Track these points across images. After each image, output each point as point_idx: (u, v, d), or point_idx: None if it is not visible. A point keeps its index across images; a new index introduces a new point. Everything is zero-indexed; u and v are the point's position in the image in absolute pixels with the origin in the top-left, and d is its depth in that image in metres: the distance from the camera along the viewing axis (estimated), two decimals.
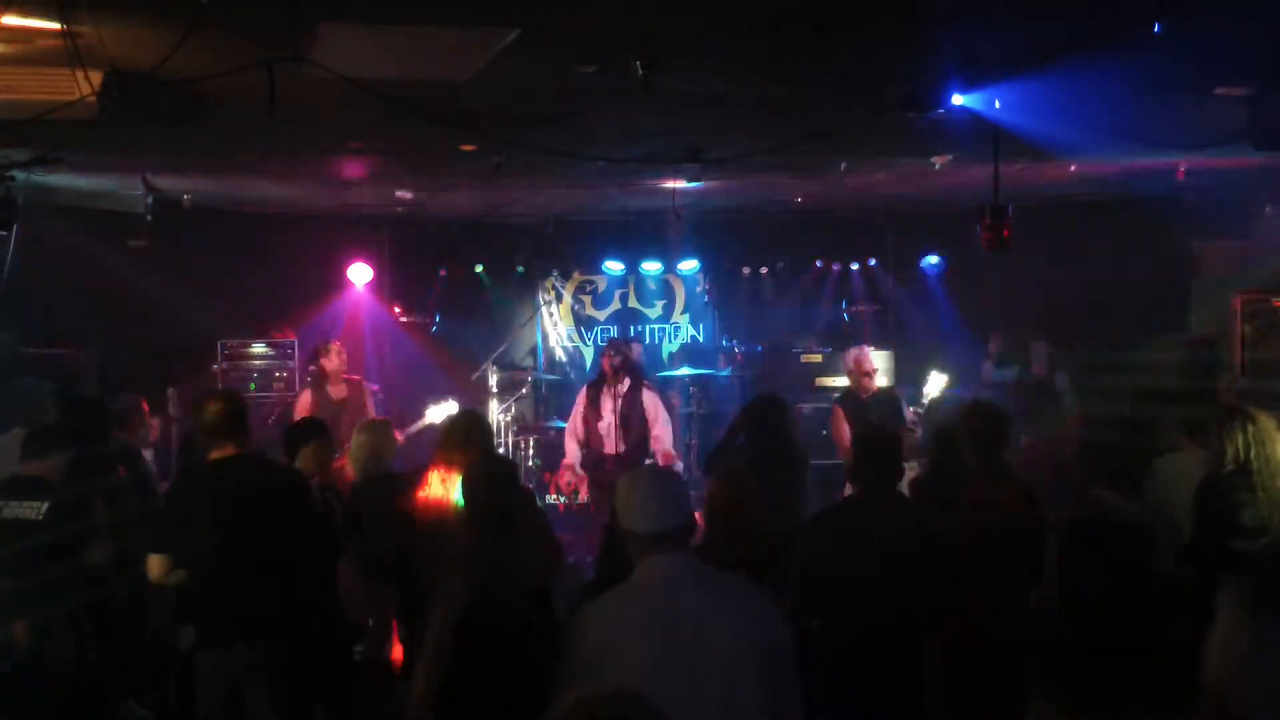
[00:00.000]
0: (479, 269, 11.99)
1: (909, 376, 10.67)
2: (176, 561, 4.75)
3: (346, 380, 8.74)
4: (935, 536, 4.65)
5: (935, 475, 5.82)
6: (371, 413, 8.68)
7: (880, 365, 9.19)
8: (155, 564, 4.77)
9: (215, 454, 4.77)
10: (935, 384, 8.83)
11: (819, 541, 4.63)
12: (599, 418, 8.47)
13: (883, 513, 4.64)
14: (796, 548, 4.62)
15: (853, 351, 8.79)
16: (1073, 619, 5.68)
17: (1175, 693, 5.48)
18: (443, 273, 11.93)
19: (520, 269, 12.12)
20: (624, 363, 8.53)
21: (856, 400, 8.51)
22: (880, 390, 8.66)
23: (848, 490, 5.36)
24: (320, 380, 8.66)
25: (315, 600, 4.86)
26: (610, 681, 2.87)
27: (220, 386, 10.25)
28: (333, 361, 8.61)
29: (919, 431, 8.36)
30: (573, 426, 8.72)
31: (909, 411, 8.78)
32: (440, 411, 7.99)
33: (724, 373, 11.59)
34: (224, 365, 10.46)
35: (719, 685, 2.99)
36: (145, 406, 7.62)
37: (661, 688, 2.83)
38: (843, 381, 10.85)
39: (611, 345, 8.92)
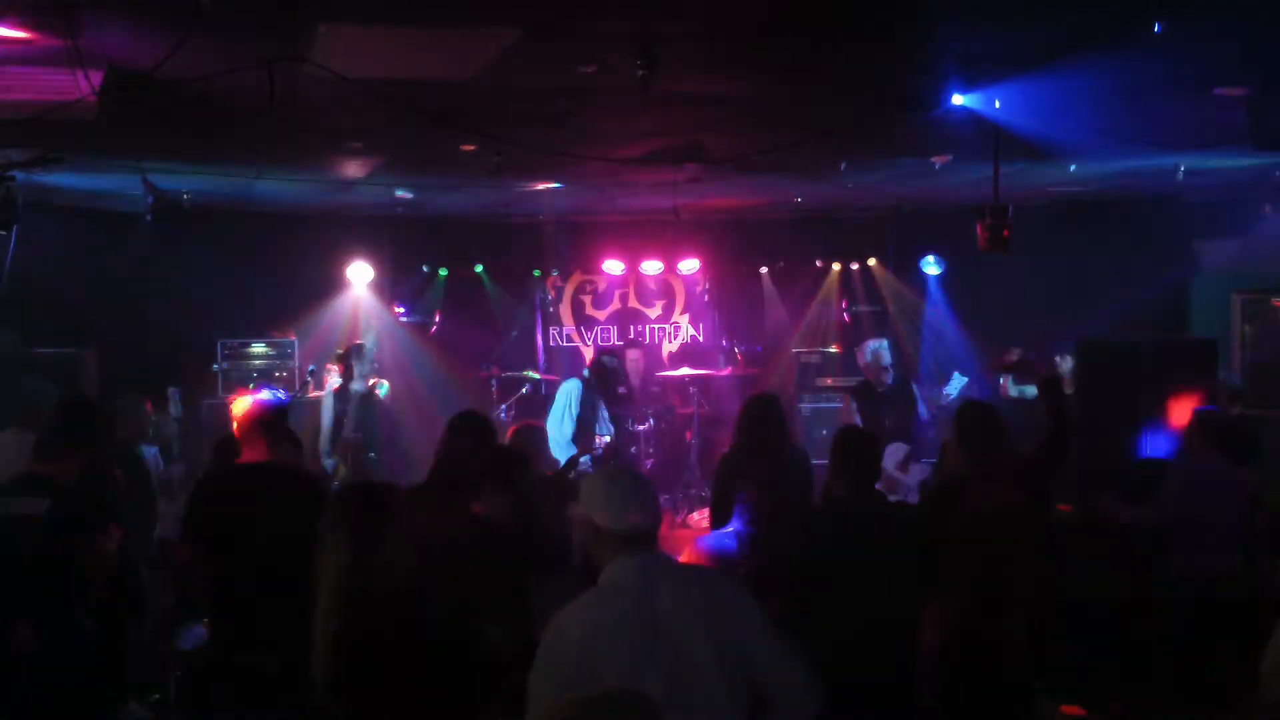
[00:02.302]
0: (479, 269, 12.00)
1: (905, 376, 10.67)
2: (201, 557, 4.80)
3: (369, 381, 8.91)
4: (918, 535, 4.66)
5: (936, 477, 5.83)
6: (387, 406, 8.86)
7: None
8: (185, 551, 4.87)
9: (247, 457, 4.79)
10: (955, 385, 8.75)
11: (802, 543, 4.63)
12: (595, 418, 8.60)
13: (864, 512, 4.64)
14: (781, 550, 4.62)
15: (870, 345, 8.73)
16: (1074, 618, 5.70)
17: (1177, 690, 5.48)
18: (443, 273, 11.93)
19: (520, 269, 12.13)
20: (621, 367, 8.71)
21: (871, 393, 8.50)
22: (897, 382, 8.63)
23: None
24: (346, 378, 8.85)
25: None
26: (597, 684, 2.88)
27: (220, 385, 10.31)
28: (366, 367, 8.82)
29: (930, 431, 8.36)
30: (561, 425, 8.86)
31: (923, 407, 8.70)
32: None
33: (724, 373, 11.59)
34: (224, 365, 10.46)
35: (698, 684, 2.99)
36: (150, 406, 7.64)
37: (643, 689, 2.84)
38: (845, 380, 10.91)
39: (611, 353, 9.13)
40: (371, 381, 8.95)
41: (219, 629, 4.85)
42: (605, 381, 9.13)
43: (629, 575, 3.09)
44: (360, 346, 9.15)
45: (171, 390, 8.98)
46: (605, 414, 8.86)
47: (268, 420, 4.85)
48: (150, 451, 8.07)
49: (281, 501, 4.71)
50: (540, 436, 6.37)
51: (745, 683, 3.06)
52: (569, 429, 8.84)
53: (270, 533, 4.64)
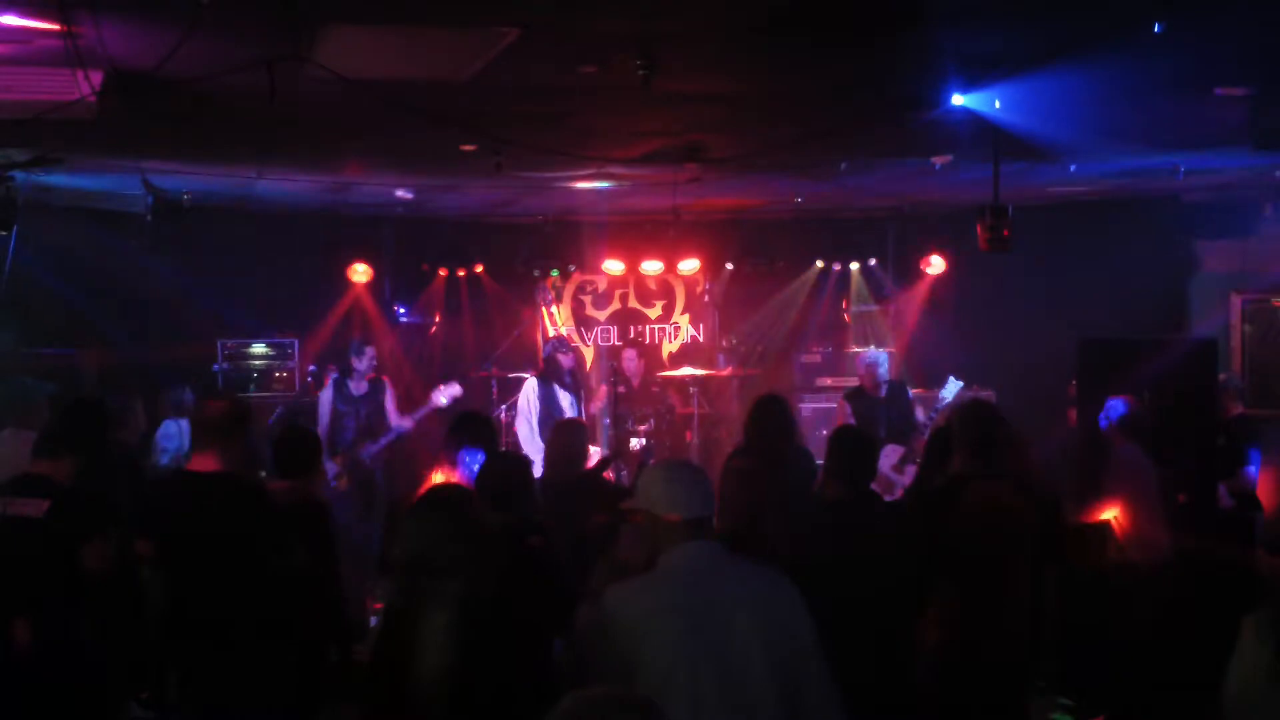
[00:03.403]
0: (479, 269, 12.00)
1: (907, 377, 10.67)
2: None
3: (369, 379, 8.94)
4: (915, 535, 4.66)
5: (932, 476, 5.82)
6: (393, 409, 8.90)
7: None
8: (145, 546, 4.82)
9: (194, 465, 4.77)
10: (951, 389, 8.82)
11: (800, 543, 4.63)
12: (554, 415, 8.76)
13: (856, 512, 4.64)
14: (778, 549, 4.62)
15: (868, 357, 8.90)
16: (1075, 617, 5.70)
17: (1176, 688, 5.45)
18: (443, 273, 11.93)
19: (520, 269, 12.12)
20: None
21: (866, 398, 8.60)
22: (892, 389, 8.76)
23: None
24: (343, 378, 8.90)
25: (308, 607, 4.85)
26: (642, 664, 2.91)
27: (220, 386, 10.32)
28: (364, 363, 8.88)
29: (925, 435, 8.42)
30: (530, 425, 8.97)
31: (920, 413, 8.81)
32: (446, 394, 8.25)
33: (724, 373, 11.59)
34: (224, 365, 10.46)
35: (744, 675, 3.01)
36: (140, 406, 7.67)
37: (691, 673, 2.89)
38: (845, 380, 10.91)
39: (562, 343, 9.41)
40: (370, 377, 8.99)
41: (168, 629, 4.82)
42: (558, 376, 9.30)
43: (686, 561, 3.14)
44: (359, 343, 9.18)
45: (185, 391, 9.02)
46: (563, 409, 9.02)
47: (221, 427, 4.77)
48: (180, 424, 8.22)
49: (223, 513, 4.65)
50: (582, 434, 6.36)
51: (789, 683, 3.07)
52: (524, 429, 9.00)
53: (207, 546, 4.59)
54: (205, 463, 4.72)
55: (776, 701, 3.03)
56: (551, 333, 12.21)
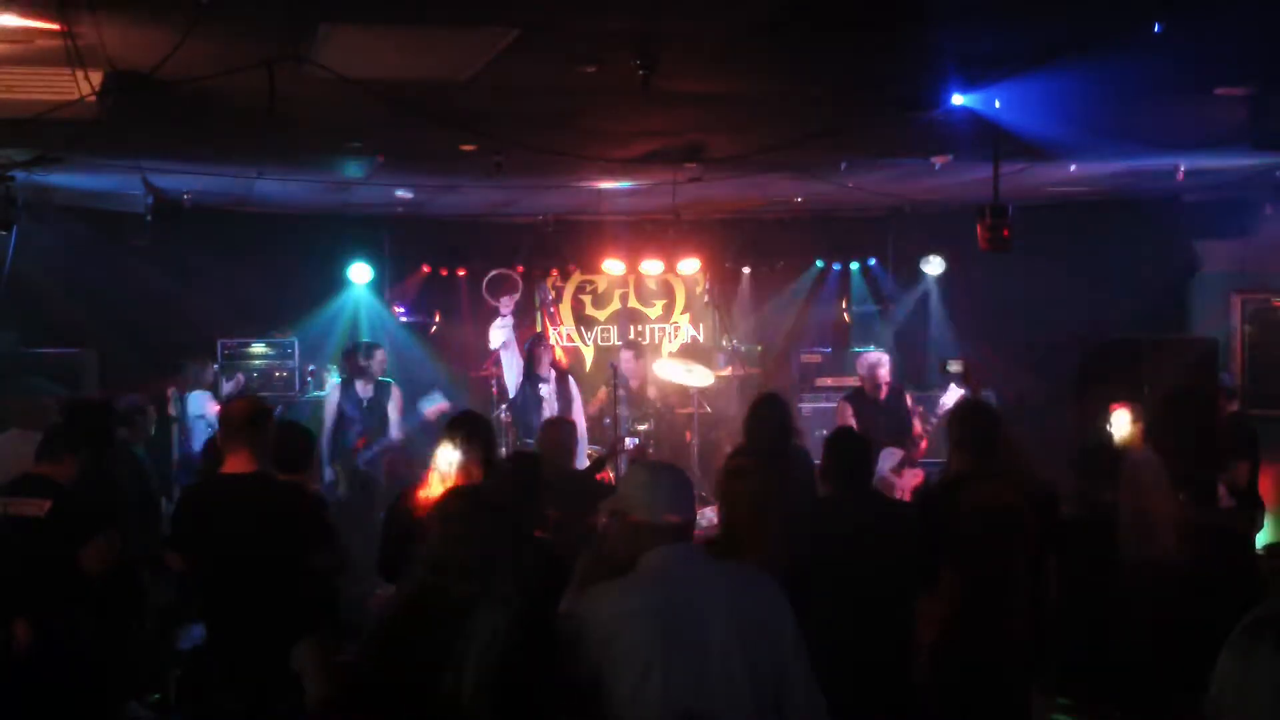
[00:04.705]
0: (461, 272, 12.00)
1: (906, 376, 10.67)
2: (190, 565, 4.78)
3: (375, 381, 8.96)
4: (909, 533, 4.67)
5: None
6: (397, 414, 8.92)
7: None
8: (176, 560, 4.87)
9: (228, 468, 4.76)
10: (951, 395, 8.82)
11: (795, 542, 4.64)
12: (530, 407, 8.83)
13: (855, 511, 4.65)
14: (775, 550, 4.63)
15: (869, 358, 8.89)
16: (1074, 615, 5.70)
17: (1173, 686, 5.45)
18: (443, 273, 11.92)
19: (520, 269, 12.12)
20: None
21: (866, 399, 8.60)
22: (892, 390, 8.78)
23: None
24: (350, 379, 8.91)
25: (330, 606, 4.86)
26: (617, 668, 2.89)
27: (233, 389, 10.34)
28: (374, 367, 8.89)
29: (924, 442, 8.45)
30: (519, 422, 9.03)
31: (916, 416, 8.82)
32: (430, 407, 8.25)
33: (724, 373, 11.58)
34: (224, 365, 10.47)
35: (723, 679, 3.00)
36: (151, 408, 7.69)
37: (666, 676, 2.86)
38: (845, 380, 10.91)
39: (539, 340, 9.49)
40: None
41: (209, 634, 4.83)
42: (531, 369, 9.39)
43: (666, 564, 3.11)
44: (369, 345, 9.16)
45: (171, 390, 9.02)
46: (539, 401, 9.06)
47: (250, 424, 4.77)
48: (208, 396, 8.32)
49: (262, 516, 4.65)
50: (570, 432, 6.37)
51: (770, 686, 3.06)
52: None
53: (250, 547, 4.59)
54: (238, 463, 4.71)
55: (756, 705, 3.01)
56: (552, 333, 12.22)
